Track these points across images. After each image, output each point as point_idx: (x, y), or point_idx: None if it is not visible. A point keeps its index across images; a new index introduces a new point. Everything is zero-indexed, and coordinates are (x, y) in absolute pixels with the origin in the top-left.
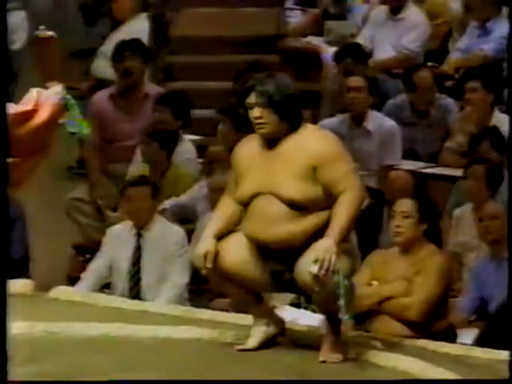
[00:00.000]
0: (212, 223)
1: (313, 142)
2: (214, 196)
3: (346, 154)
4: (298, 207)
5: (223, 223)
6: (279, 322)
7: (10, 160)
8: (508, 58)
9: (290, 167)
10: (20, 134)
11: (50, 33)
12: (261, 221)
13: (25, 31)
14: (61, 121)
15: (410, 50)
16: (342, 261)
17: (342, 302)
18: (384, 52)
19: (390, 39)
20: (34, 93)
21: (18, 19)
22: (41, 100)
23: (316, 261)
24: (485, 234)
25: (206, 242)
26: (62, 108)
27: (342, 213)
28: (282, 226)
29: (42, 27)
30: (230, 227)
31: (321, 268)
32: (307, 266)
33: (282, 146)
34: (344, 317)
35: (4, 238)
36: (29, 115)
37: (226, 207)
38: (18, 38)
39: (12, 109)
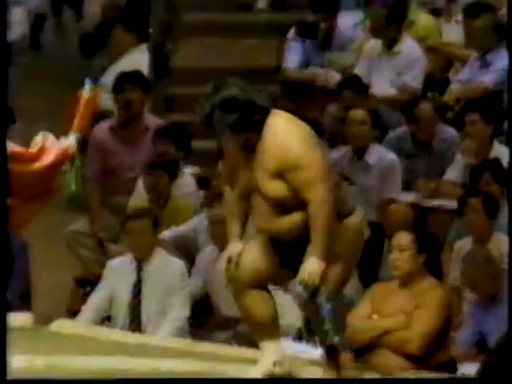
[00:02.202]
0: (232, 225)
1: (280, 144)
2: (214, 228)
3: (313, 155)
4: (280, 204)
5: (240, 221)
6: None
7: (10, 202)
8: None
9: (263, 168)
10: (23, 176)
11: (94, 92)
12: (259, 215)
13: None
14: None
15: (413, 87)
16: (325, 283)
17: (327, 326)
18: (381, 86)
19: (388, 74)
20: (40, 137)
21: None
22: (47, 144)
23: (301, 282)
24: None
25: (234, 246)
26: (68, 154)
27: (316, 229)
28: (271, 221)
29: (88, 82)
30: (244, 222)
31: (305, 289)
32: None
33: (258, 146)
34: (334, 339)
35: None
36: (33, 158)
37: (235, 204)
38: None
39: (16, 149)
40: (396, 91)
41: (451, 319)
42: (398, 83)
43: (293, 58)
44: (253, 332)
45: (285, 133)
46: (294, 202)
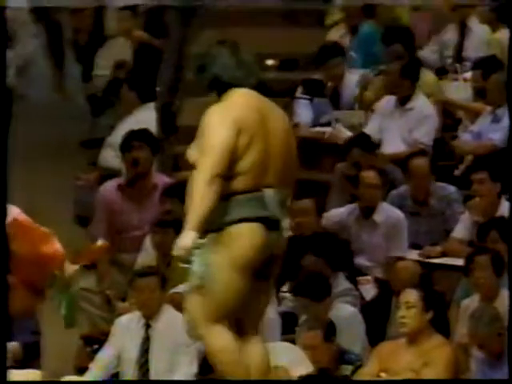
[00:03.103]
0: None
1: (207, 112)
2: None
3: (219, 132)
4: None
5: None
6: None
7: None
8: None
9: None
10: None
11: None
12: None
13: None
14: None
15: (425, 143)
16: None
17: None
18: (393, 143)
19: (400, 130)
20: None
21: None
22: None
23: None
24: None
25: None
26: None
27: (192, 199)
28: None
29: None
30: None
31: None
32: None
33: None
34: None
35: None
36: (42, 239)
37: None
38: None
39: (23, 219)
40: (407, 148)
41: (459, 377)
42: (409, 140)
43: (301, 116)
44: None
45: (219, 105)
46: None
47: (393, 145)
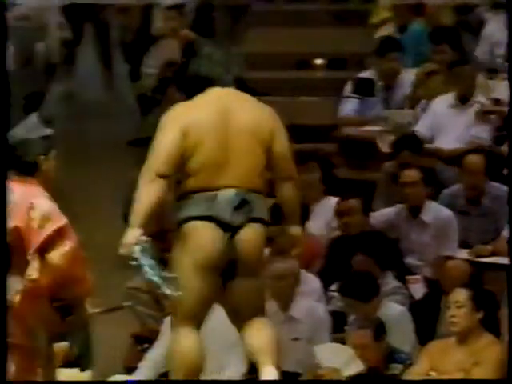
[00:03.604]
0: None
1: None
2: (274, 284)
3: (164, 131)
4: None
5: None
6: None
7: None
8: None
9: None
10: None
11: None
12: None
13: None
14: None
15: (483, 139)
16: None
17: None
18: (448, 141)
19: (456, 128)
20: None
21: None
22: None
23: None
24: None
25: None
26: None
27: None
28: None
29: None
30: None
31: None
32: None
33: None
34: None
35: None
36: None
37: None
38: None
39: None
40: (464, 145)
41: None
42: (466, 137)
43: (349, 115)
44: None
45: (176, 105)
46: None
47: (448, 143)
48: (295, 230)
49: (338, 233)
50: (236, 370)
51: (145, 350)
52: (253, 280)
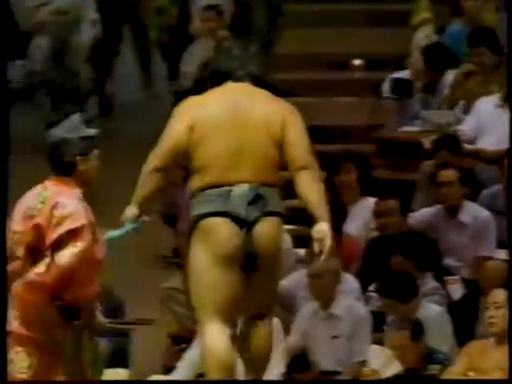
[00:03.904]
0: None
1: None
2: (313, 284)
3: (172, 123)
4: None
5: None
6: None
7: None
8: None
9: None
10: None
11: None
12: None
13: None
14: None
15: None
16: None
17: None
18: (490, 140)
19: (500, 129)
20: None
21: None
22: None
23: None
24: None
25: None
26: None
27: None
28: None
29: None
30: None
31: None
32: None
33: None
34: None
35: None
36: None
37: None
38: None
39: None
40: (506, 146)
41: None
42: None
43: (387, 116)
44: None
45: (188, 99)
46: None
47: (491, 143)
48: (320, 227)
49: (375, 233)
50: (275, 371)
51: (183, 350)
52: (270, 274)
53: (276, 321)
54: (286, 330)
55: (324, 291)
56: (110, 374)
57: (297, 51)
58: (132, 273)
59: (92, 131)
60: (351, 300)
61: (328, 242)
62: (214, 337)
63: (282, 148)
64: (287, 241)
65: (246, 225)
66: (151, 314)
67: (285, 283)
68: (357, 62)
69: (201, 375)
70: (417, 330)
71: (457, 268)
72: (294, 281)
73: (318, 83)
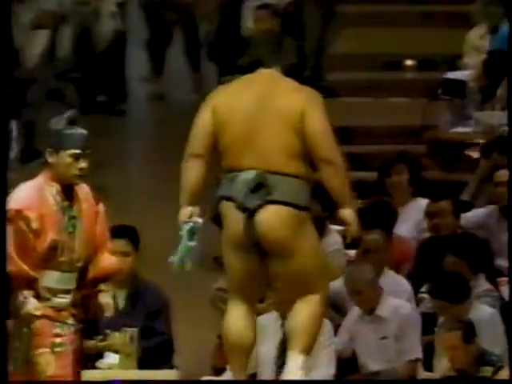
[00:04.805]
0: None
1: None
2: (355, 299)
3: (197, 118)
4: None
5: None
6: None
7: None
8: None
9: None
10: None
11: None
12: None
13: None
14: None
15: None
16: None
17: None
18: None
19: None
20: None
21: None
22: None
23: None
24: None
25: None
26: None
27: None
28: None
29: None
30: None
31: None
32: None
33: None
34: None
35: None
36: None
37: None
38: None
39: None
40: None
41: None
42: None
43: (441, 117)
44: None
45: (218, 88)
46: None
47: None
48: (344, 212)
49: (428, 234)
50: (325, 372)
51: None
52: (284, 261)
53: (326, 322)
54: (337, 331)
55: (366, 303)
56: (160, 374)
57: (351, 51)
58: (182, 273)
59: (73, 130)
60: (397, 300)
61: (353, 228)
62: (233, 316)
63: (304, 136)
64: (338, 241)
65: (247, 211)
66: (201, 313)
67: (335, 284)
68: (409, 62)
69: (252, 376)
70: (469, 331)
71: (509, 269)
72: (343, 282)
73: (370, 83)
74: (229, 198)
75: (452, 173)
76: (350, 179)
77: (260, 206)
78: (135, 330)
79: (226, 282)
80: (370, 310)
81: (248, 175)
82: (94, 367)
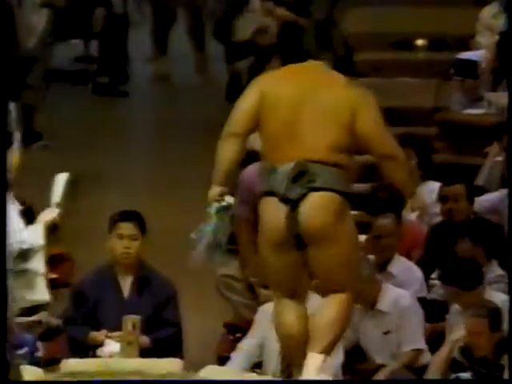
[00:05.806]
0: None
1: None
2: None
3: (240, 99)
4: None
5: None
6: None
7: None
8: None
9: None
10: None
11: None
12: None
13: None
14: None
15: None
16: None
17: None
18: None
19: None
20: None
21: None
22: None
23: None
24: None
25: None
26: None
27: None
28: None
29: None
30: None
31: None
32: None
33: None
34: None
35: None
36: None
37: None
38: None
39: None
40: None
41: None
42: None
43: (452, 98)
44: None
45: (265, 72)
46: None
47: None
48: (413, 202)
49: (440, 219)
50: (334, 361)
51: (237, 340)
52: (323, 249)
53: None
54: None
55: (366, 300)
56: (162, 363)
57: (359, 31)
58: (186, 258)
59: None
60: (397, 291)
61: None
62: (281, 312)
63: (356, 134)
64: None
65: (290, 203)
66: (207, 301)
67: None
68: (420, 42)
69: (256, 365)
70: (495, 318)
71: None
72: None
73: (380, 63)
74: (269, 193)
75: (464, 156)
76: (359, 163)
77: (304, 196)
78: (138, 317)
79: (234, 270)
80: (370, 305)
81: (287, 166)
82: (94, 356)
